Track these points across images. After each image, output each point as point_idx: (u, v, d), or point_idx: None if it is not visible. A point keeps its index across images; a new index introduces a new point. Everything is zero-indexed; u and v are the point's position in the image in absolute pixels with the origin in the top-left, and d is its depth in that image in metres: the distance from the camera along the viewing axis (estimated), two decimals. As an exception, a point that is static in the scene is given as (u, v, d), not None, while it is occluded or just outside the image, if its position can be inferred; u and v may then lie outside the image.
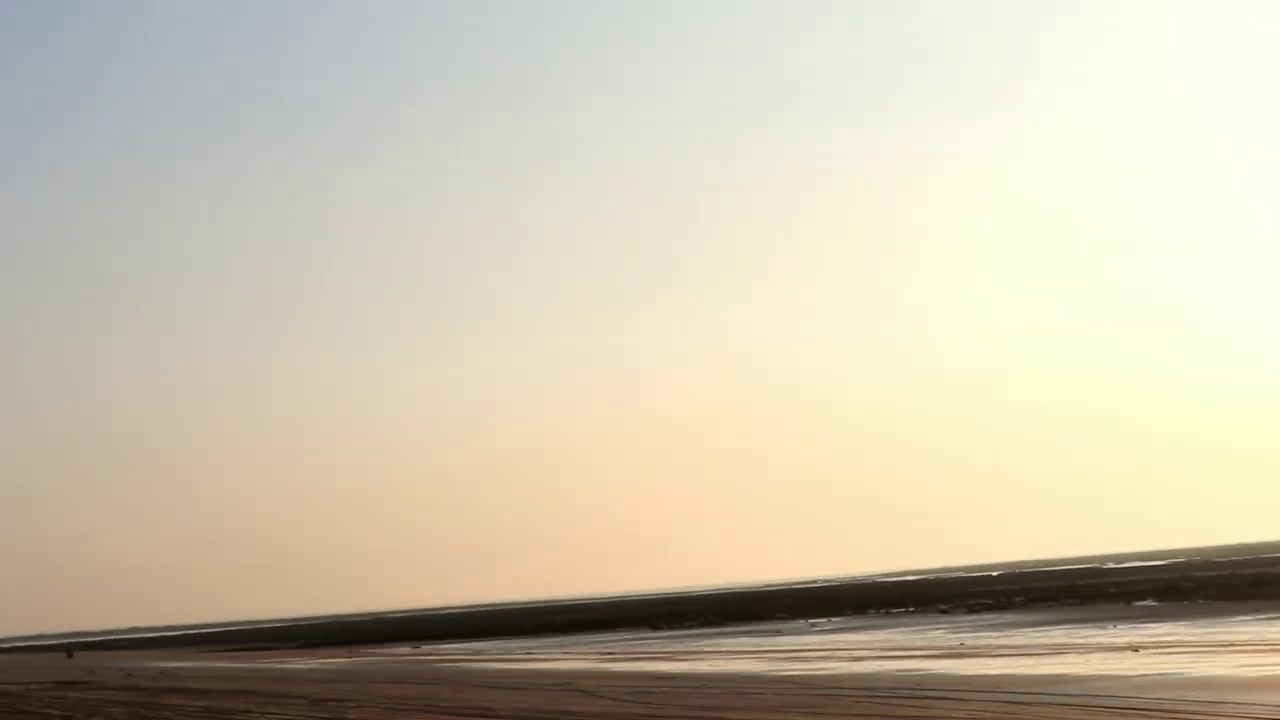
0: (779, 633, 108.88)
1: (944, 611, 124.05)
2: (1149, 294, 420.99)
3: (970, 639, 79.74)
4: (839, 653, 74.07)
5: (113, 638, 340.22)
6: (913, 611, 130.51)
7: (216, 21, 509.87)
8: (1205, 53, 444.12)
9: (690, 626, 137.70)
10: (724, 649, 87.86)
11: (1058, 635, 77.42)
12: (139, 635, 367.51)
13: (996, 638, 79.39)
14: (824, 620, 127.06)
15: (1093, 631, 78.21)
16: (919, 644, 77.71)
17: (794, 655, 74.67)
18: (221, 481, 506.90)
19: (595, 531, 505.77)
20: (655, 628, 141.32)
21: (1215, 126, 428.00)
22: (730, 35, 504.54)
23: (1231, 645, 59.61)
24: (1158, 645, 62.74)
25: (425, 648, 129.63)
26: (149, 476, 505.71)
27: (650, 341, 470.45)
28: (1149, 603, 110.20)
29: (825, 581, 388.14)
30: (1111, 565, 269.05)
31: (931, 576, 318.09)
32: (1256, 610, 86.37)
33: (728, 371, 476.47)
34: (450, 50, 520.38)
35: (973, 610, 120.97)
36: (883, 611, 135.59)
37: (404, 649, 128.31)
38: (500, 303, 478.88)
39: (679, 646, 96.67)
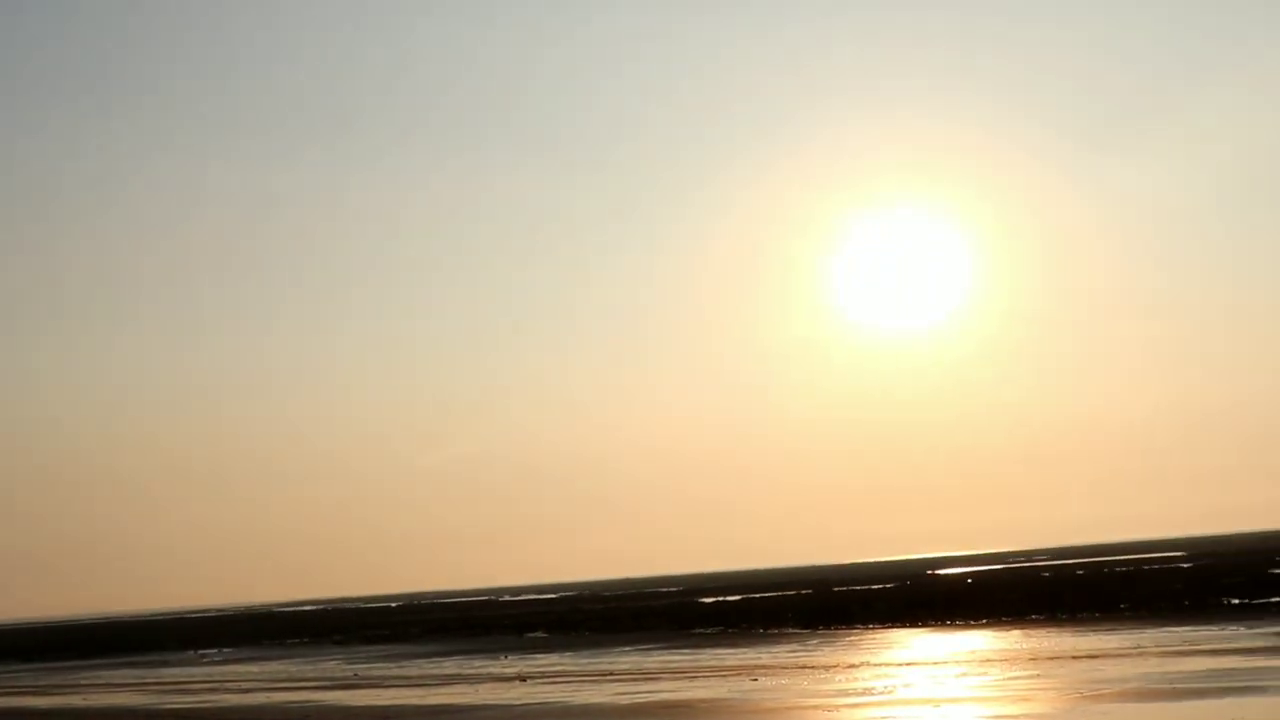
0: (165, 664, 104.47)
1: (339, 642, 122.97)
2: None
3: (364, 670, 79.10)
4: (228, 684, 71.65)
5: None
6: (308, 642, 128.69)
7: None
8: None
9: (67, 657, 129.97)
10: (103, 682, 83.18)
11: (451, 666, 78.04)
12: None
13: (391, 668, 79.13)
14: (214, 651, 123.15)
15: (485, 662, 79.32)
16: (311, 675, 76.31)
17: (179, 687, 71.60)
18: None
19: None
20: (26, 659, 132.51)
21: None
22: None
23: (612, 674, 61.89)
24: (545, 675, 64.27)
25: None
26: None
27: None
28: (540, 634, 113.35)
29: (219, 610, 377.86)
30: (508, 598, 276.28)
31: (330, 607, 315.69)
32: (637, 641, 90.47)
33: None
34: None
35: (369, 641, 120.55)
36: (277, 642, 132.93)
37: None
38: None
39: (52, 679, 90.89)
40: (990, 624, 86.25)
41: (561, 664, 73.28)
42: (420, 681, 65.36)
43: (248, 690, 64.57)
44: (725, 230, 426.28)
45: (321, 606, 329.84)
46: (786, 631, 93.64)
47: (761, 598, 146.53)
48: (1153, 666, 50.00)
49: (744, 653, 72.80)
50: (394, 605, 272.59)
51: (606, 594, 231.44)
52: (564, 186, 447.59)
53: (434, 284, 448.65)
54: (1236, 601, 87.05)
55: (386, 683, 65.75)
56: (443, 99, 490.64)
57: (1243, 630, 65.71)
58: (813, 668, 58.97)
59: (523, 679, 61.95)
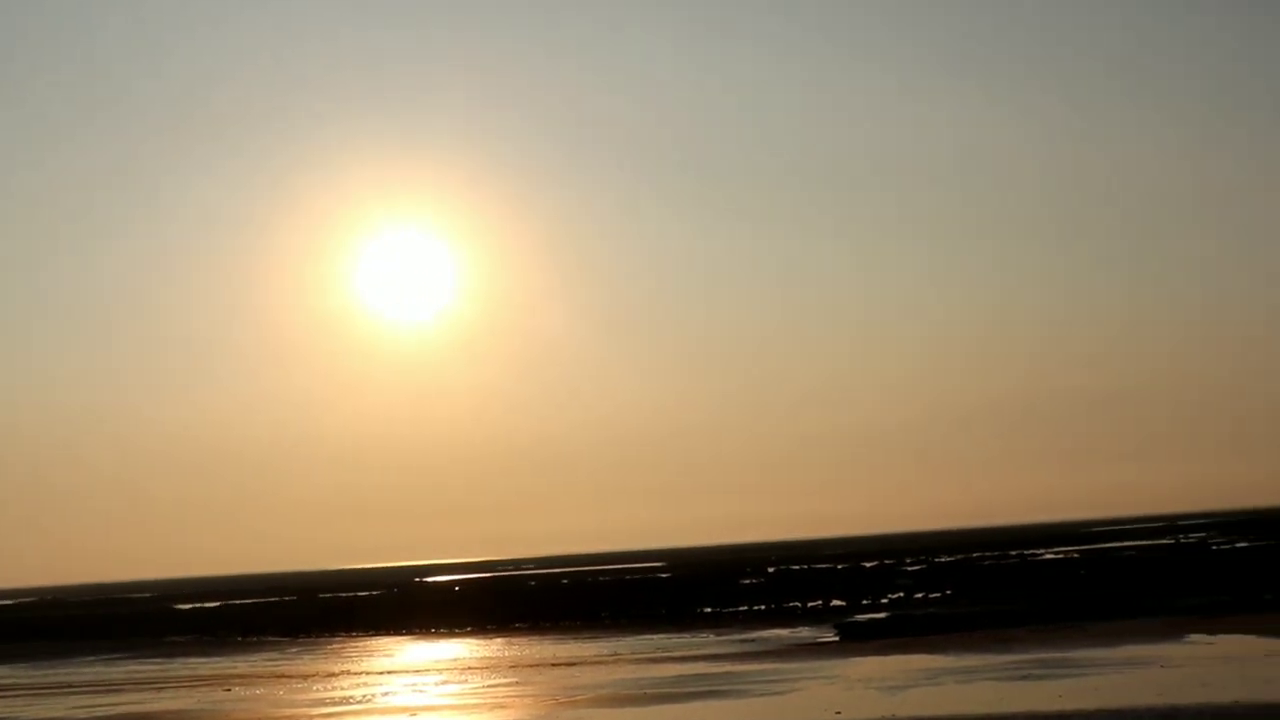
0: None
1: None
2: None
3: None
4: None
5: None
6: None
7: None
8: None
9: None
10: None
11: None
12: None
13: None
14: None
15: (-74, 674, 73.07)
16: None
17: None
18: None
19: None
20: None
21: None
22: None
23: (71, 686, 58.13)
24: (-5, 687, 59.77)
25: None
26: None
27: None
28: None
29: None
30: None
31: None
32: (104, 650, 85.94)
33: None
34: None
35: None
36: None
37: None
38: None
39: None
40: (475, 632, 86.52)
41: (14, 676, 68.46)
42: None
43: None
44: (229, 223, 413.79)
45: None
46: (267, 639, 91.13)
47: (241, 604, 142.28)
48: (628, 673, 51.02)
49: (220, 661, 70.17)
50: None
51: (71, 599, 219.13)
52: (62, 163, 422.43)
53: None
54: (709, 610, 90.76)
55: None
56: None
57: (713, 638, 68.35)
58: (291, 677, 57.14)
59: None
